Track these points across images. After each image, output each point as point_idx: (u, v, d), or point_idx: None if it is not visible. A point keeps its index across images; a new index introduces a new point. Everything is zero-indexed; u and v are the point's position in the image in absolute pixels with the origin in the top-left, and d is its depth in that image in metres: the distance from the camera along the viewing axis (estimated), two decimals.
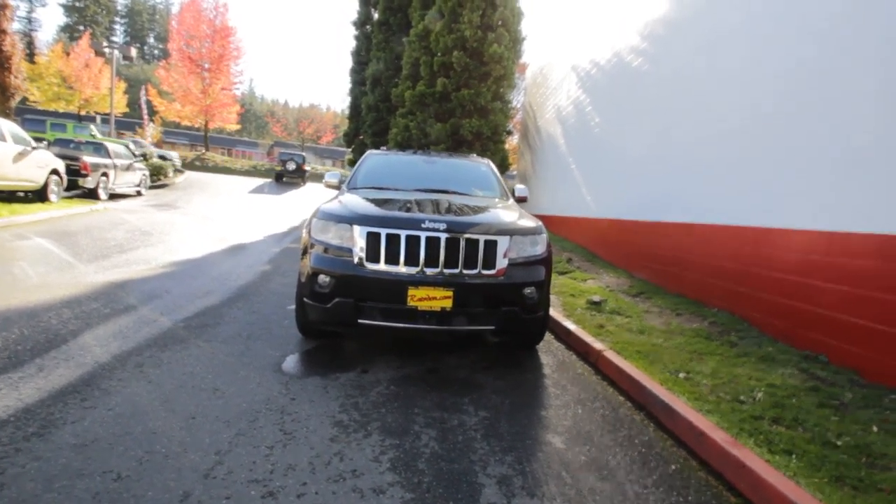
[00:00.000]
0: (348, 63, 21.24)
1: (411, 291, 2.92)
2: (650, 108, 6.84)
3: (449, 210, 3.38)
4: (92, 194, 11.26)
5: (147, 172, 14.78)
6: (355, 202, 3.46)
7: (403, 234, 2.98)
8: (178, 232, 8.59)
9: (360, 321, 3.01)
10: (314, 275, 3.06)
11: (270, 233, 9.76)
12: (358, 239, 3.01)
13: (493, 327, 3.13)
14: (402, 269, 2.97)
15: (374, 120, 16.57)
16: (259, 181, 24.51)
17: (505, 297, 3.07)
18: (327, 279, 3.02)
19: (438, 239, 2.98)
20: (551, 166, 12.80)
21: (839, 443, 2.36)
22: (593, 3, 10.02)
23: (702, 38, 5.64)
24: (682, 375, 3.26)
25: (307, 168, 23.86)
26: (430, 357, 3.46)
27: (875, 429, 2.52)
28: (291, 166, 22.73)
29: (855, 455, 2.23)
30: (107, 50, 17.59)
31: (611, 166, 8.13)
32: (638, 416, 2.75)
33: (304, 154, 25.49)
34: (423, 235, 2.98)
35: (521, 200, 4.56)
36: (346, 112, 22.41)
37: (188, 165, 25.08)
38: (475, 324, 3.09)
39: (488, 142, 13.66)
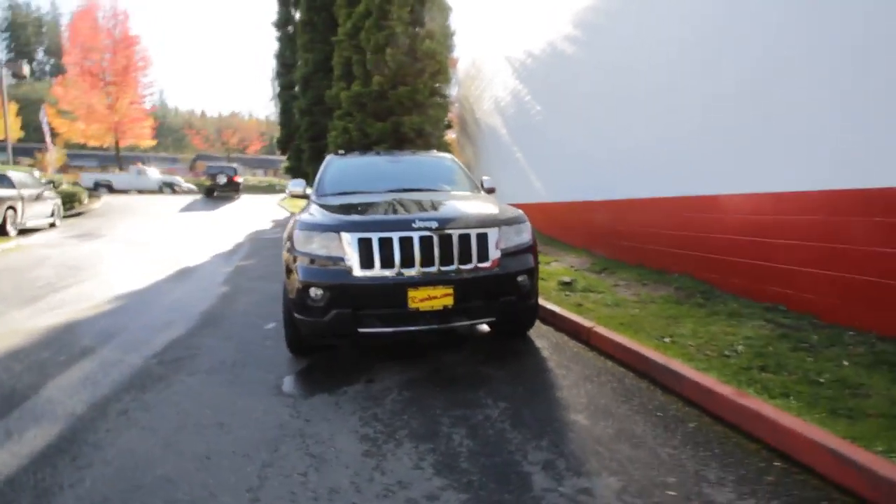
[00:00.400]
0: (267, 67, 20.32)
1: (411, 293, 2.88)
2: (591, 94, 7.15)
3: (433, 207, 3.35)
4: None
5: (59, 201, 13.36)
6: (335, 209, 3.34)
7: (396, 236, 2.93)
8: (111, 262, 7.85)
9: (360, 330, 2.93)
10: (305, 289, 2.93)
11: (215, 252, 9.18)
12: (348, 246, 2.92)
13: (493, 318, 3.16)
14: (398, 271, 2.91)
15: (309, 124, 16.05)
16: (187, 199, 22.96)
17: (501, 287, 3.11)
18: (320, 292, 2.90)
19: (431, 237, 2.96)
20: (494, 156, 13.03)
21: (821, 380, 2.62)
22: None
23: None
24: (667, 340, 3.47)
25: (239, 180, 22.63)
26: (428, 357, 3.43)
27: (846, 363, 2.83)
28: (222, 180, 21.45)
29: (838, 389, 2.49)
30: None
31: (558, 151, 8.43)
32: (643, 383, 2.90)
33: (234, 166, 24.14)
34: (415, 236, 2.94)
35: (490, 191, 4.62)
36: (272, 118, 21.52)
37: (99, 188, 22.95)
38: (476, 317, 3.10)
39: (430, 137, 13.67)
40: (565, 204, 8.13)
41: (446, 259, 2.98)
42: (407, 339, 3.66)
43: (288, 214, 18.61)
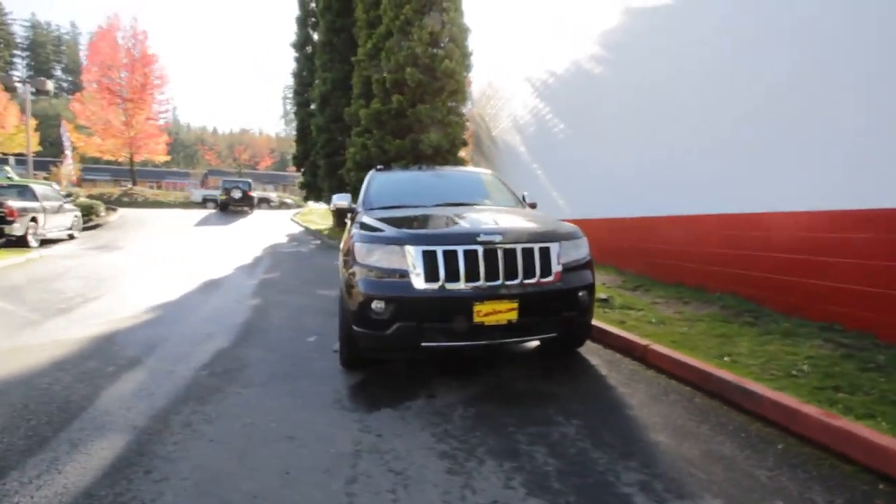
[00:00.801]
0: (279, 86, 20.67)
1: (477, 307, 2.84)
2: (618, 113, 7.20)
3: (493, 221, 3.32)
4: (20, 242, 10.06)
5: (79, 213, 13.47)
6: (392, 221, 3.31)
7: (461, 249, 2.90)
8: (135, 274, 7.85)
9: (423, 345, 2.88)
10: (367, 301, 2.89)
11: (237, 265, 9.18)
12: (412, 259, 2.89)
13: (554, 334, 3.11)
14: (463, 285, 2.88)
15: (326, 140, 16.21)
16: (202, 213, 23.11)
17: (563, 303, 3.07)
18: (383, 305, 2.86)
19: (496, 251, 2.93)
20: (512, 173, 13.05)
21: None
22: (537, 23, 10.47)
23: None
24: (726, 359, 3.39)
25: (254, 195, 22.81)
26: (483, 373, 3.36)
27: None
28: (237, 194, 21.62)
29: None
30: (18, 85, 15.86)
31: (581, 169, 8.45)
32: (713, 402, 2.82)
33: (249, 180, 24.36)
34: (480, 249, 2.91)
35: (532, 206, 4.61)
36: (283, 135, 21.80)
37: (115, 202, 23.15)
38: (538, 333, 3.05)
39: (448, 154, 13.79)
40: (591, 221, 8.12)
41: (510, 273, 2.94)
42: (460, 354, 3.60)
43: (302, 229, 18.71)
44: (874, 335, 3.54)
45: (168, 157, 30.95)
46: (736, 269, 4.89)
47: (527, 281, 2.96)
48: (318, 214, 23.11)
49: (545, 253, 3.05)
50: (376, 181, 4.51)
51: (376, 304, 2.87)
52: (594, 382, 3.19)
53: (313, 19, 18.58)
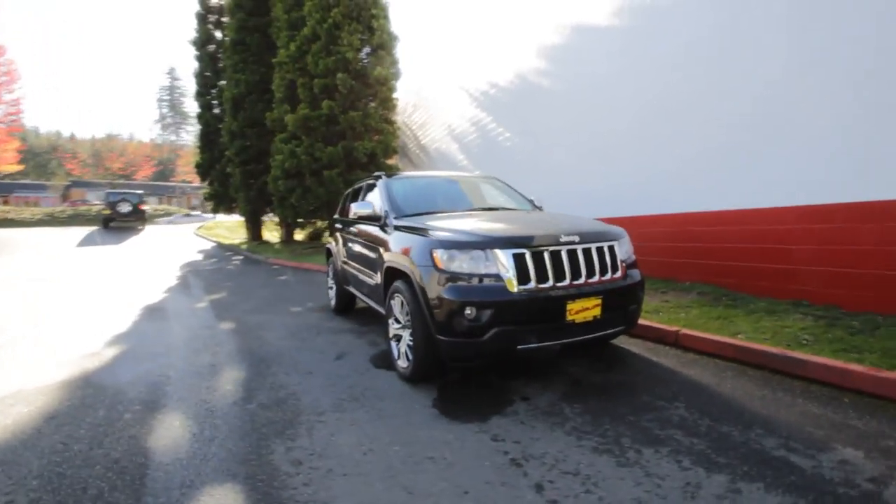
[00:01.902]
0: (149, 85, 18.64)
1: (570, 306, 2.92)
2: (567, 123, 7.80)
3: (557, 223, 3.42)
4: None
5: None
6: (451, 227, 3.24)
7: (547, 250, 2.96)
8: (49, 305, 6.51)
9: (519, 347, 2.88)
10: (459, 309, 2.81)
11: (164, 288, 8.06)
12: (502, 262, 2.88)
13: (623, 327, 3.31)
14: (554, 285, 2.94)
15: (240, 147, 14.96)
16: (78, 231, 19.75)
17: (630, 297, 3.29)
18: (478, 311, 2.81)
19: (576, 251, 3.05)
20: None
21: None
22: (471, 35, 10.88)
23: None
24: (740, 336, 3.90)
25: (145, 208, 20.05)
26: (549, 372, 3.42)
27: None
28: (125, 208, 18.79)
29: None
30: None
31: (534, 172, 8.93)
32: (764, 372, 3.23)
33: (140, 191, 21.31)
34: (563, 249, 3.00)
35: (540, 209, 4.82)
36: (158, 141, 19.63)
37: None
38: (612, 327, 3.22)
39: (381, 161, 13.59)
40: None
41: (590, 271, 3.08)
42: (520, 356, 3.61)
43: (212, 244, 16.98)
44: (839, 306, 4.33)
45: (21, 167, 25.92)
46: (700, 259, 5.61)
47: (603, 278, 3.13)
48: (226, 228, 21.13)
49: (612, 251, 3.24)
50: (394, 188, 4.34)
51: (470, 311, 2.81)
52: (656, 368, 3.45)
53: (215, 16, 17.08)
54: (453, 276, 2.89)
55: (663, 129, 6.13)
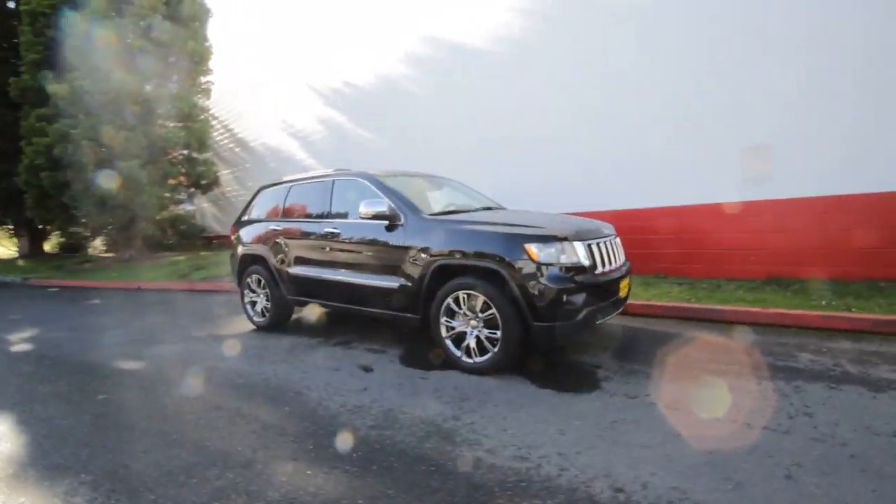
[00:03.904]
0: None
1: (621, 284, 3.48)
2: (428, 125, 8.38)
3: (579, 219, 3.90)
4: None
5: None
6: (525, 221, 3.44)
7: (601, 241, 3.44)
8: None
9: (597, 322, 3.28)
10: (559, 295, 3.02)
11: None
12: (581, 252, 3.21)
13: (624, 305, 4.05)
14: (610, 269, 3.44)
15: None
16: None
17: (630, 278, 4.05)
18: (572, 296, 3.08)
19: (612, 241, 3.63)
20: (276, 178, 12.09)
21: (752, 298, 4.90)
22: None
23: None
24: (652, 300, 5.20)
25: None
26: (580, 348, 3.76)
27: (741, 291, 5.28)
28: None
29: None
30: None
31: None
32: (694, 322, 4.45)
33: None
34: (607, 241, 3.54)
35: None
36: None
37: None
38: (622, 305, 3.90)
39: (197, 154, 11.48)
40: None
41: (619, 257, 3.71)
42: None
43: None
44: (688, 276, 6.15)
45: None
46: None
47: (622, 263, 3.81)
48: None
49: (620, 242, 3.96)
50: (394, 184, 4.05)
51: (568, 297, 3.06)
52: (645, 333, 4.28)
53: None
54: (549, 267, 3.08)
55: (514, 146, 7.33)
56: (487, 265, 3.18)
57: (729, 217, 5.65)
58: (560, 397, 2.84)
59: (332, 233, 4.17)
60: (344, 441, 2.43)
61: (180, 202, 12.27)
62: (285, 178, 5.11)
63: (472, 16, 7.80)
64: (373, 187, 4.01)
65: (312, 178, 4.70)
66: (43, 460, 2.38)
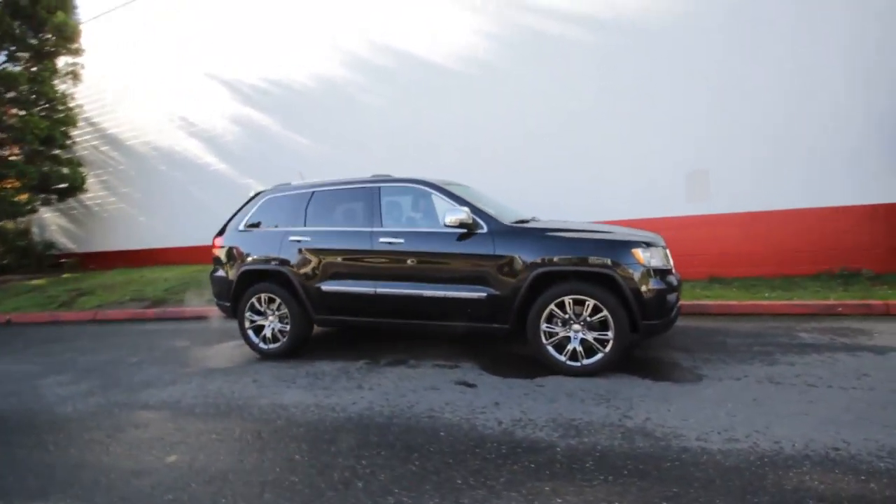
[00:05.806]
0: None
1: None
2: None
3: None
4: None
5: None
6: (604, 228, 3.65)
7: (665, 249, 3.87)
8: None
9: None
10: (662, 295, 3.32)
11: None
12: (665, 257, 3.57)
13: None
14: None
15: None
16: None
17: None
18: (672, 295, 3.42)
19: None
20: (180, 185, 10.36)
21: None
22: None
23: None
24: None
25: None
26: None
27: None
28: None
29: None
30: None
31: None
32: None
33: None
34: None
35: None
36: None
37: None
38: None
39: (57, 150, 9.20)
40: None
41: None
42: None
43: None
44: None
45: None
46: None
47: None
48: None
49: None
50: (458, 192, 3.95)
51: (668, 296, 3.39)
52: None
53: None
54: (654, 271, 3.36)
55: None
56: (600, 270, 3.32)
57: (676, 228, 6.70)
58: (683, 387, 3.10)
59: (390, 242, 3.87)
60: (562, 455, 2.33)
61: (28, 212, 9.56)
62: (299, 183, 4.54)
63: (433, 31, 7.87)
64: (442, 195, 3.87)
65: (345, 183, 4.29)
66: None
